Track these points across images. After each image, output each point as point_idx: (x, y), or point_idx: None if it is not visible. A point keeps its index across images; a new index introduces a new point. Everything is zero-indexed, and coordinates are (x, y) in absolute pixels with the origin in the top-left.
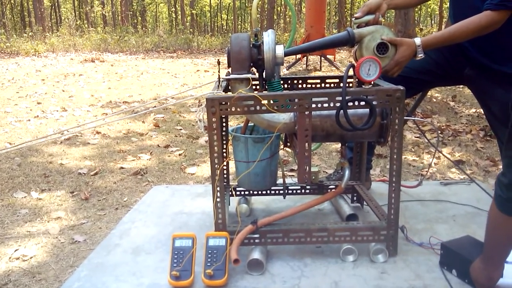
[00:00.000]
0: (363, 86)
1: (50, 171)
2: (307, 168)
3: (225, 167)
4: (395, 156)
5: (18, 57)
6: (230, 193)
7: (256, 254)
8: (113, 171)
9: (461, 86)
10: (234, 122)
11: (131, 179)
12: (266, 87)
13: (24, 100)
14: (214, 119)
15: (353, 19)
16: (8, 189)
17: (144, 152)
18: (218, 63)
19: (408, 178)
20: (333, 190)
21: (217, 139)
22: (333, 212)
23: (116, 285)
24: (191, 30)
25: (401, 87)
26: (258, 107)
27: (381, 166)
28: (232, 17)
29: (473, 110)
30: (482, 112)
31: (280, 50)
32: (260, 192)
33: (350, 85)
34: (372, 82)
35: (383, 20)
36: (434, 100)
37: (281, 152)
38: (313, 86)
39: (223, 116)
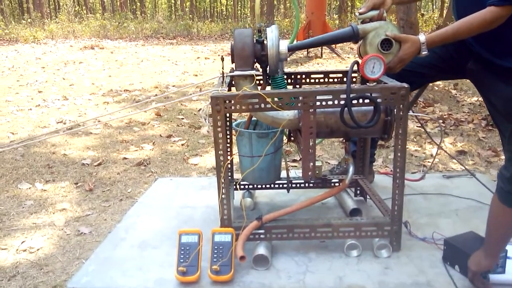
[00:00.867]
0: (367, 83)
1: (53, 162)
2: (312, 164)
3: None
4: (399, 153)
5: (17, 44)
6: (235, 187)
7: (261, 250)
8: (116, 162)
9: None
10: (236, 116)
11: (134, 170)
12: (270, 82)
13: (25, 89)
14: (218, 117)
15: (357, 14)
16: (12, 180)
17: (146, 142)
18: (222, 59)
19: (410, 169)
20: (337, 186)
21: (222, 136)
22: (336, 206)
23: (123, 280)
24: (190, 16)
25: (406, 85)
26: (262, 105)
27: (383, 156)
28: (232, 2)
29: (475, 98)
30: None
31: (283, 46)
32: (264, 186)
33: (354, 79)
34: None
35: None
36: (436, 88)
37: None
38: (317, 80)
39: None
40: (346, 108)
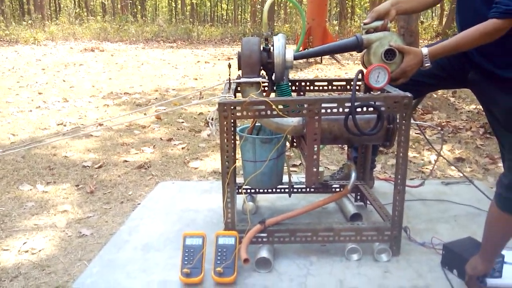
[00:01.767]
0: (371, 92)
1: (54, 164)
2: (315, 170)
3: None
4: (401, 161)
5: (17, 45)
6: (237, 191)
7: (264, 253)
8: (117, 164)
9: None
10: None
11: (135, 173)
12: (275, 89)
13: (25, 90)
14: (225, 123)
15: (361, 25)
16: (13, 181)
17: (147, 145)
18: (229, 66)
19: (408, 175)
20: (339, 191)
21: (228, 141)
22: (337, 211)
23: (127, 282)
24: (191, 20)
25: (409, 94)
26: (268, 112)
27: (381, 162)
28: (232, 7)
29: (473, 106)
30: (482, 109)
31: (289, 54)
32: (266, 190)
33: (357, 87)
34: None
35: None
36: (435, 96)
37: None
38: (320, 88)
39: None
40: (350, 116)
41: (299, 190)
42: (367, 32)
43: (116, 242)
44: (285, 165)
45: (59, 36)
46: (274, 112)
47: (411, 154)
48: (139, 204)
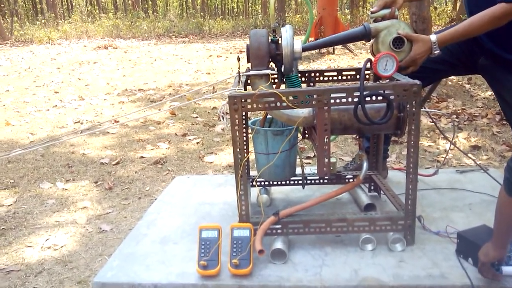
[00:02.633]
0: (380, 80)
1: (73, 161)
2: (327, 160)
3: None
4: (412, 149)
5: (32, 45)
6: (251, 184)
7: (278, 244)
8: (134, 161)
9: None
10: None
11: (151, 168)
12: (285, 80)
13: (41, 89)
14: (236, 116)
15: (369, 13)
16: (34, 179)
17: (162, 141)
18: (238, 59)
19: (424, 164)
20: (352, 181)
21: (239, 134)
22: (351, 201)
23: (147, 273)
24: (201, 13)
25: (418, 82)
26: (278, 103)
27: (396, 152)
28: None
29: (489, 93)
30: None
31: (298, 45)
32: (279, 183)
33: (367, 76)
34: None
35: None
36: (450, 83)
37: None
38: (330, 78)
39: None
40: (359, 105)
41: (313, 181)
42: (375, 20)
43: (135, 236)
44: (297, 157)
45: (72, 34)
46: (284, 104)
47: (426, 143)
48: (156, 198)
